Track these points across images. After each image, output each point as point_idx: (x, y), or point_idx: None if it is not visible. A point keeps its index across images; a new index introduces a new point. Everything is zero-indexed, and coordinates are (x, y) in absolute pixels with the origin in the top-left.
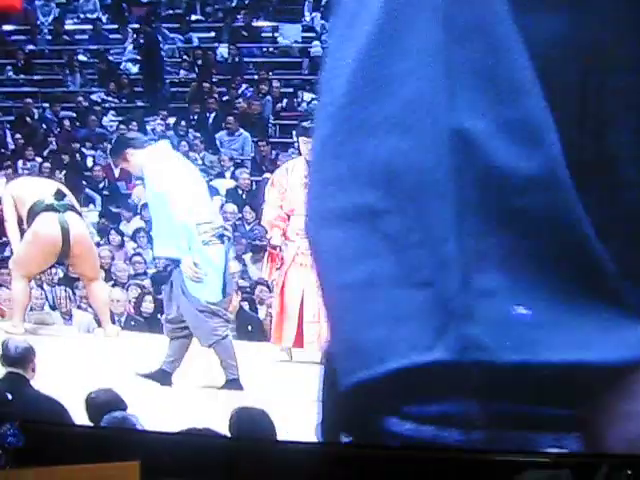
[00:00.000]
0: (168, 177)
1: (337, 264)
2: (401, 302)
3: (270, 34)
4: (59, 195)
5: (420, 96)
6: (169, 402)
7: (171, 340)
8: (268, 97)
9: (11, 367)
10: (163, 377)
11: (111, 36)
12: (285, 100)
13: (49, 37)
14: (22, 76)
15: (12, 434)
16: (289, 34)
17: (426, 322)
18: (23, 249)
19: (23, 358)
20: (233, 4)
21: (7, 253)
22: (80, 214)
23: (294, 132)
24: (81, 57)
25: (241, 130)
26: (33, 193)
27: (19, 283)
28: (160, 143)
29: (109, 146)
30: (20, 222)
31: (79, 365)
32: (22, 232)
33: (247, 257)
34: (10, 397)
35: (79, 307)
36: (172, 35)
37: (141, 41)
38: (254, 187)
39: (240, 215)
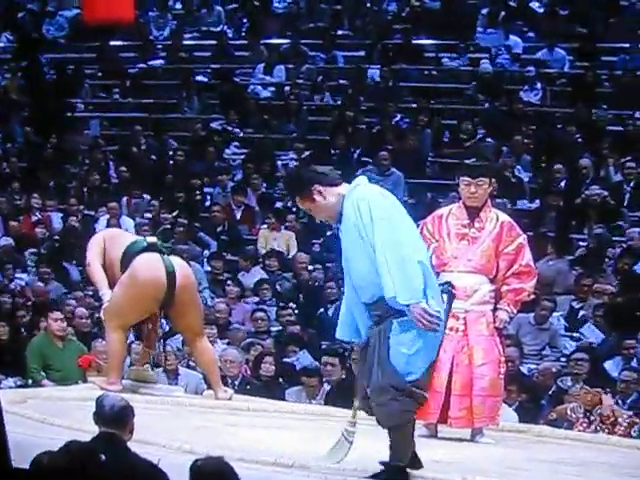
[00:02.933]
0: (392, 208)
1: None
2: None
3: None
4: (165, 235)
5: None
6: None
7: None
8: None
9: (105, 426)
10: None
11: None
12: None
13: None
14: (130, 99)
15: None
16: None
17: None
18: (119, 294)
19: (119, 417)
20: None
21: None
22: (185, 260)
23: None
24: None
25: (393, 169)
26: (131, 236)
27: (114, 334)
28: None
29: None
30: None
31: (184, 429)
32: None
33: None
34: (103, 458)
35: (187, 366)
36: (312, 53)
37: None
38: None
39: None
